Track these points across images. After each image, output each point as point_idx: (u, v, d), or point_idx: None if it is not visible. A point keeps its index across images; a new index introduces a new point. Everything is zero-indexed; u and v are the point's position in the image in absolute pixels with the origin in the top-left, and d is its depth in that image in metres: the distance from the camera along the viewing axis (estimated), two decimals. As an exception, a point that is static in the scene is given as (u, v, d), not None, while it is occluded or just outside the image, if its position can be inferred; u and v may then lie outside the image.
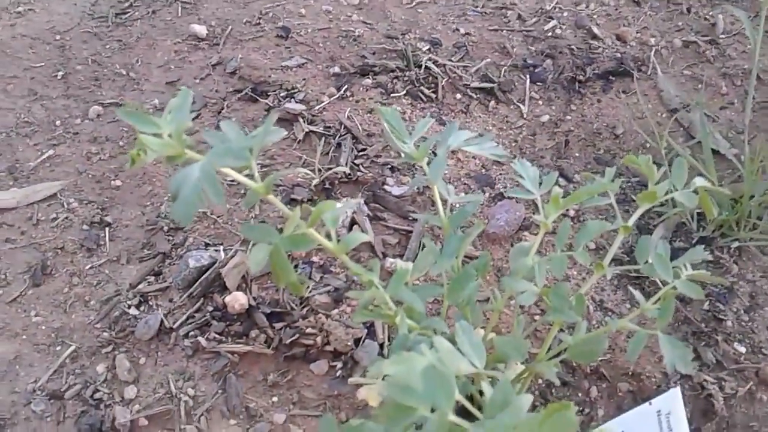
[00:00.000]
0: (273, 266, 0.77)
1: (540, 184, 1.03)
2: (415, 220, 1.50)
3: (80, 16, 2.29)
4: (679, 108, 1.82)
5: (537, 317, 1.33)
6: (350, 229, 1.46)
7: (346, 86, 1.86)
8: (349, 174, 1.58)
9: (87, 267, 1.47)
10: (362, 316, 0.90)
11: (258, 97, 1.84)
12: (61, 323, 1.36)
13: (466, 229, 1.04)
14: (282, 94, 1.83)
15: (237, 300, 1.30)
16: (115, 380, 1.26)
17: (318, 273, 1.39)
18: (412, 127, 1.00)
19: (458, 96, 1.88)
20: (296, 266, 1.39)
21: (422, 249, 1.14)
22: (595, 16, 2.13)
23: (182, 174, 0.67)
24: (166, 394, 1.23)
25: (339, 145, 1.67)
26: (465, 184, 1.60)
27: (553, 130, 1.81)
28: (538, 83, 1.93)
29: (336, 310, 1.32)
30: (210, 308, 1.33)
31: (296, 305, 1.33)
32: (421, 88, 1.87)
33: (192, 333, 1.30)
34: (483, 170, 1.65)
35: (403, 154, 1.00)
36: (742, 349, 1.31)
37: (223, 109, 1.83)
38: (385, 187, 1.57)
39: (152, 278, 1.42)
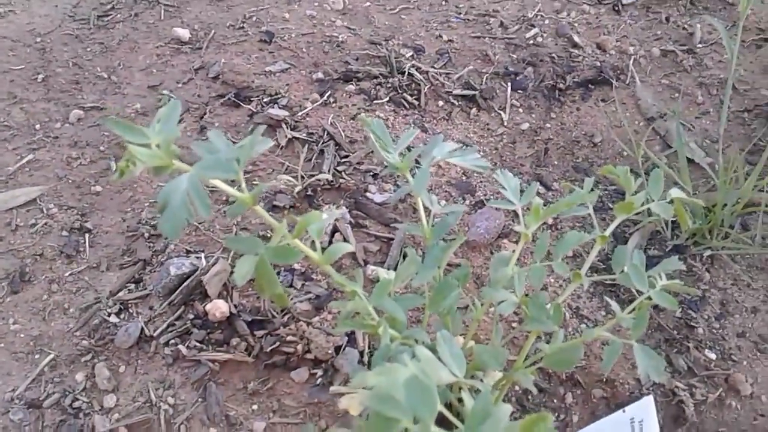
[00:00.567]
0: (258, 278, 0.78)
1: (521, 194, 1.04)
2: (397, 227, 1.51)
3: (61, 18, 2.27)
4: (656, 117, 1.84)
5: (515, 325, 1.35)
6: (332, 236, 1.47)
7: (329, 92, 1.87)
8: (332, 181, 1.59)
9: (66, 274, 1.46)
10: (345, 326, 0.91)
11: (241, 103, 1.84)
12: (40, 331, 1.35)
13: (448, 238, 1.05)
14: (265, 100, 1.83)
15: (218, 308, 1.30)
16: (95, 389, 1.25)
17: (299, 280, 1.40)
18: (396, 135, 1.01)
19: (440, 103, 1.90)
20: (278, 274, 1.39)
21: (404, 258, 1.15)
22: (575, 25, 2.15)
23: (170, 186, 0.68)
24: (146, 402, 1.23)
25: (322, 151, 1.68)
26: (446, 191, 1.61)
27: (532, 138, 1.83)
28: (519, 91, 1.95)
29: (317, 318, 1.33)
30: (191, 316, 1.33)
31: (277, 313, 1.33)
32: (404, 94, 1.88)
33: (172, 341, 1.30)
34: (464, 178, 1.66)
35: (387, 165, 1.01)
36: (713, 356, 1.33)
37: (205, 114, 1.83)
38: (368, 194, 1.58)
39: (132, 286, 1.42)
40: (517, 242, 1.44)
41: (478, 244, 1.50)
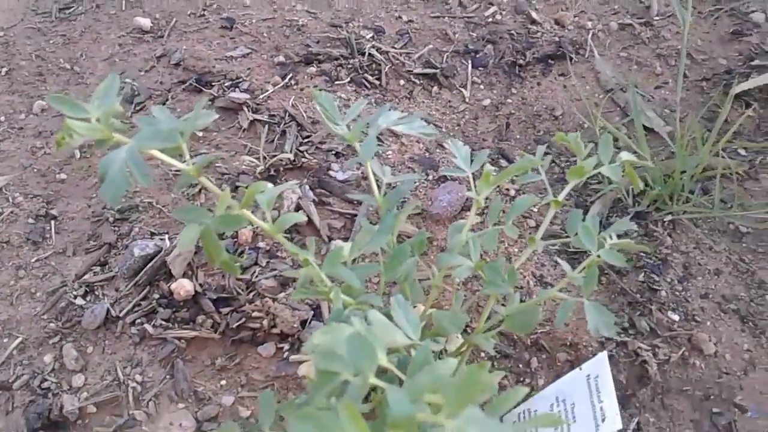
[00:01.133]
0: (204, 246, 0.79)
1: (471, 162, 1.07)
2: (360, 203, 1.53)
3: (24, 12, 2.26)
4: (615, 89, 1.87)
5: (478, 292, 1.37)
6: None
7: (290, 75, 1.88)
8: (294, 160, 1.61)
9: (33, 260, 1.47)
10: (300, 293, 0.93)
11: (202, 88, 1.85)
12: (8, 315, 1.36)
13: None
14: (227, 84, 1.84)
15: (182, 287, 1.32)
16: (63, 370, 1.27)
17: (264, 258, 1.41)
18: (359, 116, 1.03)
19: (402, 82, 1.92)
20: (242, 252, 1.41)
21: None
22: (534, 2, 2.17)
23: (109, 156, 0.69)
24: (114, 381, 1.25)
25: (284, 132, 1.69)
26: (409, 167, 1.63)
27: (494, 114, 1.85)
28: (479, 68, 1.97)
29: (282, 294, 1.35)
30: (156, 296, 1.35)
31: (242, 290, 1.35)
32: (365, 75, 1.90)
33: (138, 321, 1.32)
34: (427, 154, 1.68)
35: (336, 136, 1.02)
36: (676, 318, 1.36)
37: (167, 100, 1.84)
38: (330, 172, 1.60)
39: (98, 269, 1.43)
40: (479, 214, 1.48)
41: (442, 217, 1.52)
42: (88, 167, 1.66)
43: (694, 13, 2.11)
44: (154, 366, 1.27)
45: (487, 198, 1.04)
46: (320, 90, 1.74)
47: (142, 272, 1.38)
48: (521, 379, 1.28)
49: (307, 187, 1.55)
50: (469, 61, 1.98)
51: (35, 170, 1.68)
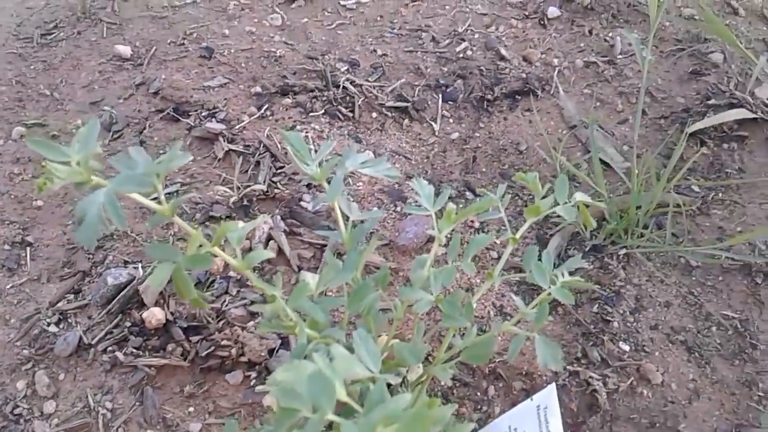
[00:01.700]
0: (175, 284, 0.84)
1: (436, 199, 1.12)
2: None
3: (5, 38, 2.30)
4: (578, 125, 1.95)
5: (440, 322, 1.43)
6: (266, 244, 1.54)
7: (266, 106, 1.93)
8: (267, 191, 1.66)
9: (8, 286, 1.50)
10: (265, 327, 0.97)
11: (180, 117, 1.90)
12: (-19, 342, 1.39)
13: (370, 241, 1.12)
14: (203, 114, 1.89)
15: (154, 315, 1.36)
16: (35, 396, 1.30)
17: (235, 287, 1.46)
18: (334, 150, 1.08)
19: (374, 115, 1.98)
20: (213, 281, 1.46)
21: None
22: (503, 38, 2.26)
23: (87, 200, 0.74)
24: (85, 407, 1.28)
25: (258, 163, 1.74)
26: (378, 199, 1.69)
27: (462, 147, 1.92)
28: (449, 102, 2.04)
29: (252, 323, 1.39)
30: (128, 324, 1.39)
31: (212, 319, 1.39)
32: (339, 107, 1.96)
33: (110, 348, 1.36)
34: (396, 186, 1.74)
35: (305, 175, 1.08)
36: (627, 348, 1.43)
37: (145, 128, 1.88)
38: (302, 203, 1.65)
39: (72, 296, 1.47)
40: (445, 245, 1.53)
41: (408, 249, 1.58)
42: (65, 195, 1.70)
43: (656, 52, 2.21)
44: (125, 393, 1.30)
45: (452, 231, 1.10)
46: (293, 125, 1.80)
47: (115, 300, 1.41)
48: (479, 406, 1.33)
49: (279, 217, 1.60)
50: (440, 95, 2.05)
51: (12, 196, 1.71)
